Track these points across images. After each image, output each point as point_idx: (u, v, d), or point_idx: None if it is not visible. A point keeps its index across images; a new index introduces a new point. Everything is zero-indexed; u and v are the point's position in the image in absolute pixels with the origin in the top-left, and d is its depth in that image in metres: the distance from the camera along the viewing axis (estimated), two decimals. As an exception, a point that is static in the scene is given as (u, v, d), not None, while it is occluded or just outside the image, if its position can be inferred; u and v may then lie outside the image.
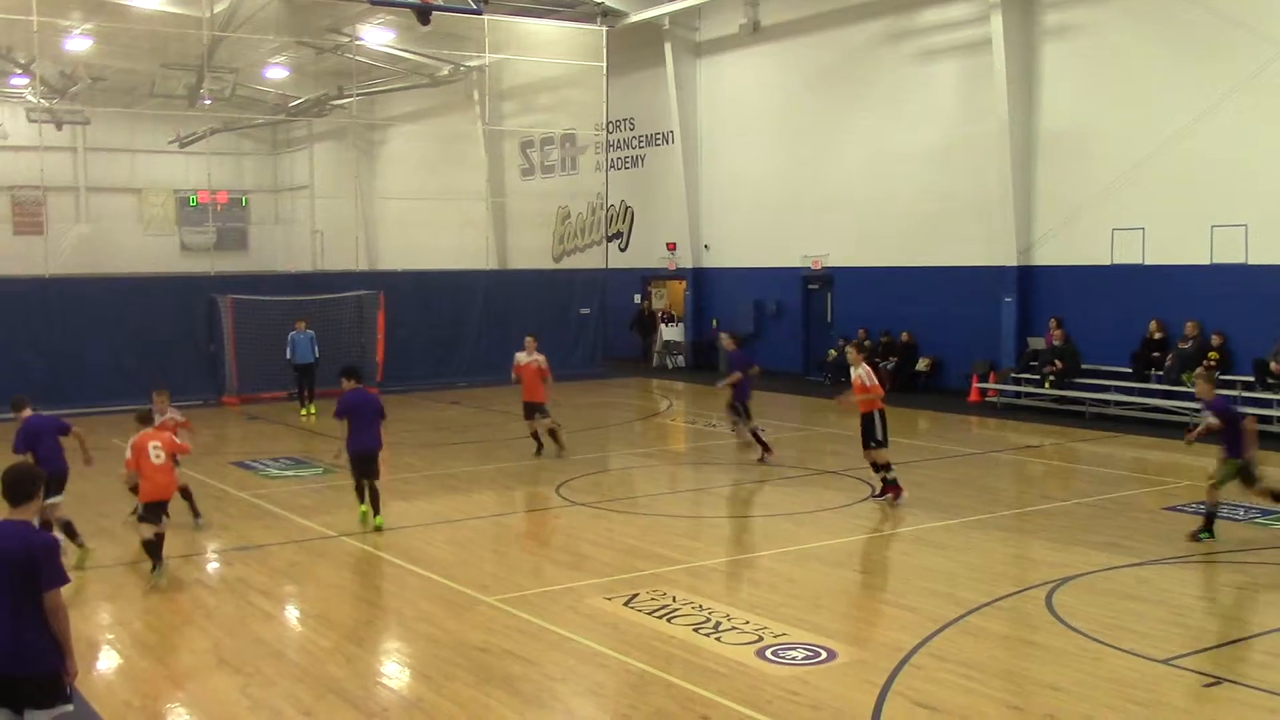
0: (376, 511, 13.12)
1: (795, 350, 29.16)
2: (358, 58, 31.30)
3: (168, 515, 11.58)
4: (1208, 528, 12.19)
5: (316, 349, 23.10)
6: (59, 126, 36.41)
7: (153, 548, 11.13)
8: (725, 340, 18.79)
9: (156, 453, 11.26)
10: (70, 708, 6.03)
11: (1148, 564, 11.28)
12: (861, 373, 14.14)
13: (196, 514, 13.33)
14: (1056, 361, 22.04)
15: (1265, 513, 13.42)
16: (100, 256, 33.55)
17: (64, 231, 34.83)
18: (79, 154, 41.61)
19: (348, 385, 13.42)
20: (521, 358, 17.72)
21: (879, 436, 14.04)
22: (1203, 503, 12.48)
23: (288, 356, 23.18)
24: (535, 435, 17.78)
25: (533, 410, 17.66)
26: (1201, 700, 7.78)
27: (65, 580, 5.86)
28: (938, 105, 25.18)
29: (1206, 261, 20.67)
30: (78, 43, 30.93)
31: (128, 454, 11.34)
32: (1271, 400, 18.95)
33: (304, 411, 22.73)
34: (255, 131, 45.21)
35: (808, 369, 28.66)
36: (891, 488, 14.00)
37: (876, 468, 14.19)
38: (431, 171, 36.22)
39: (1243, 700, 7.76)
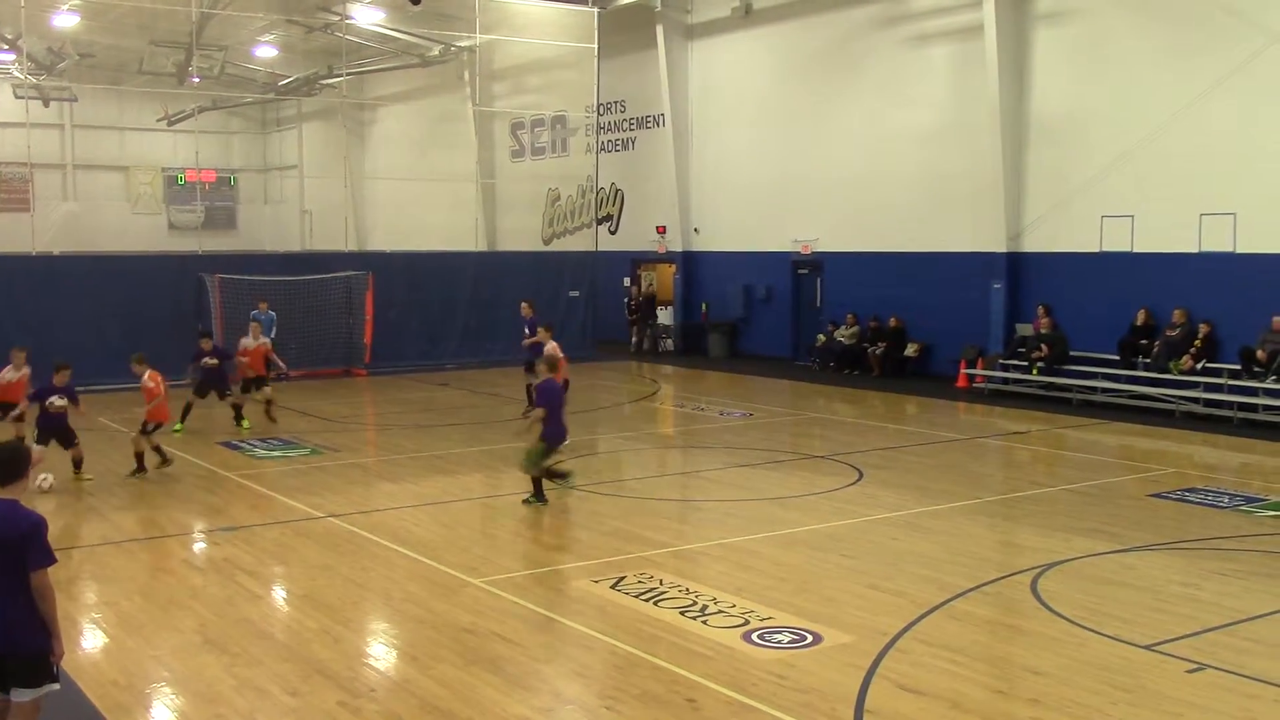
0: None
1: (784, 335, 29.19)
2: (348, 37, 31.14)
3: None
4: (538, 493, 13.14)
5: (274, 330, 23.12)
6: (46, 103, 36.23)
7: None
8: (524, 308, 20.61)
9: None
10: (57, 686, 6.03)
11: (1132, 550, 11.34)
12: (552, 348, 16.54)
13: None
14: (1042, 346, 22.11)
15: (1250, 499, 13.50)
16: (87, 234, 33.45)
17: (51, 209, 34.73)
18: (66, 131, 41.41)
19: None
20: (248, 343, 19.84)
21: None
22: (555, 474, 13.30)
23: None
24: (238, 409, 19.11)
25: (251, 384, 19.63)
26: (1184, 686, 7.83)
27: (52, 560, 5.85)
28: (929, 91, 25.17)
29: (1195, 249, 20.72)
30: (65, 19, 30.75)
31: (157, 387, 14.86)
32: (1257, 389, 19.04)
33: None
34: (244, 110, 44.98)
35: (797, 353, 28.69)
36: None
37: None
38: (421, 152, 36.13)
39: (1225, 686, 7.81)
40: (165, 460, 15.04)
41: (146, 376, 14.96)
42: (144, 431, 14.84)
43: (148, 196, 43.43)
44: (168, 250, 31.78)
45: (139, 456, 14.86)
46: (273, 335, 23.02)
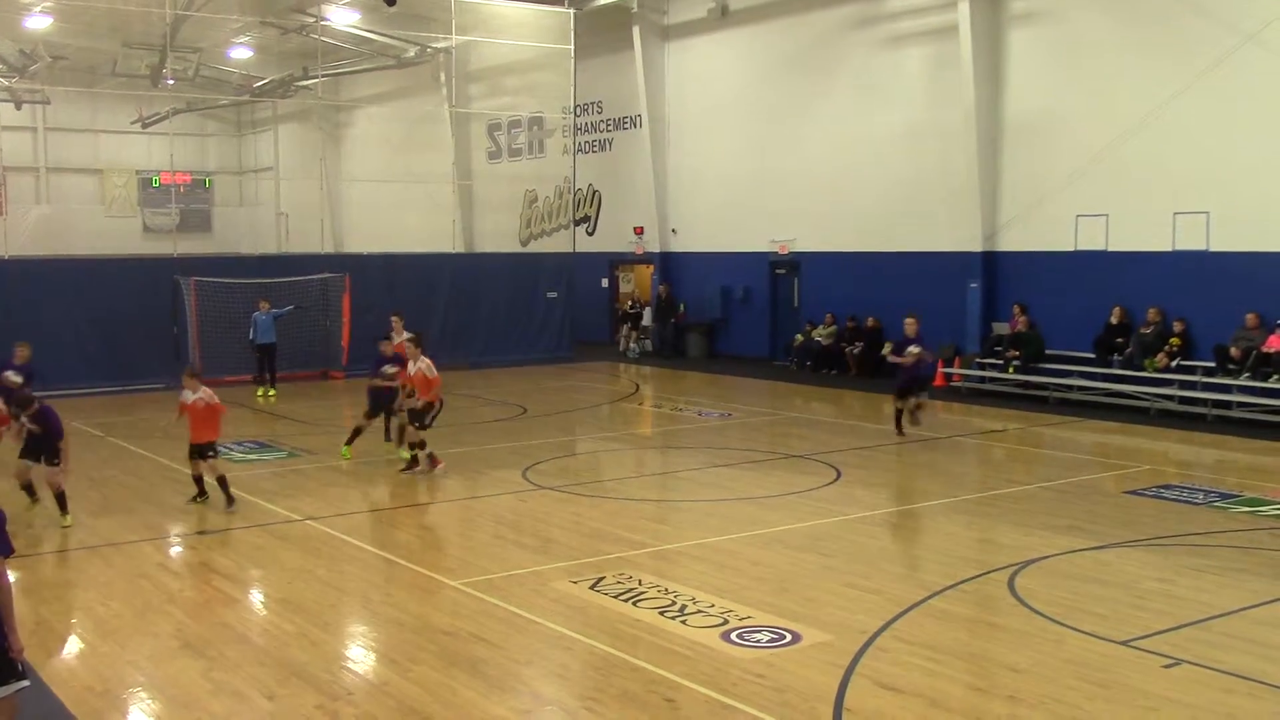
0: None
1: (762, 335, 29.25)
2: (323, 38, 31.00)
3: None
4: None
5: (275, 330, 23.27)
6: (18, 106, 35.95)
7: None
8: (909, 324, 18.09)
9: None
10: (27, 683, 5.93)
11: (1109, 547, 11.40)
12: (423, 366, 15.08)
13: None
14: (1012, 350, 22.22)
15: (1224, 496, 13.61)
16: (61, 238, 33.12)
17: (24, 212, 34.43)
18: (39, 134, 41.07)
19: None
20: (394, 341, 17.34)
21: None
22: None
23: (250, 338, 23.39)
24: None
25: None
26: (1160, 681, 7.88)
27: (9, 551, 5.72)
28: (905, 91, 25.26)
29: (1169, 248, 20.87)
30: (37, 21, 30.49)
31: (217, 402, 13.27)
32: (1231, 386, 19.19)
33: (261, 392, 23.02)
34: (219, 112, 44.74)
35: (774, 354, 28.75)
36: (434, 459, 15.26)
37: (416, 446, 15.27)
38: (398, 154, 35.98)
39: (1200, 681, 7.86)
40: (202, 494, 13.59)
41: (208, 394, 13.19)
42: (212, 455, 13.33)
43: (122, 199, 43.10)
44: (142, 253, 31.52)
45: (222, 481, 13.34)
46: (275, 337, 23.36)
